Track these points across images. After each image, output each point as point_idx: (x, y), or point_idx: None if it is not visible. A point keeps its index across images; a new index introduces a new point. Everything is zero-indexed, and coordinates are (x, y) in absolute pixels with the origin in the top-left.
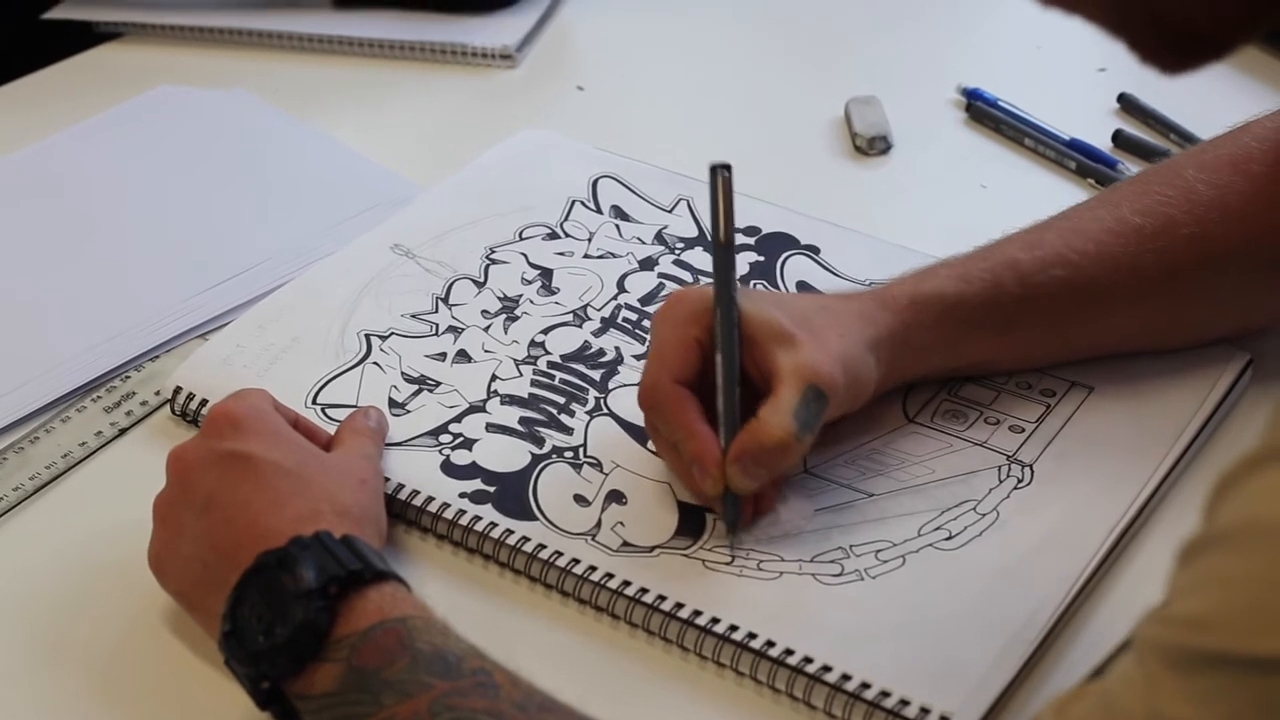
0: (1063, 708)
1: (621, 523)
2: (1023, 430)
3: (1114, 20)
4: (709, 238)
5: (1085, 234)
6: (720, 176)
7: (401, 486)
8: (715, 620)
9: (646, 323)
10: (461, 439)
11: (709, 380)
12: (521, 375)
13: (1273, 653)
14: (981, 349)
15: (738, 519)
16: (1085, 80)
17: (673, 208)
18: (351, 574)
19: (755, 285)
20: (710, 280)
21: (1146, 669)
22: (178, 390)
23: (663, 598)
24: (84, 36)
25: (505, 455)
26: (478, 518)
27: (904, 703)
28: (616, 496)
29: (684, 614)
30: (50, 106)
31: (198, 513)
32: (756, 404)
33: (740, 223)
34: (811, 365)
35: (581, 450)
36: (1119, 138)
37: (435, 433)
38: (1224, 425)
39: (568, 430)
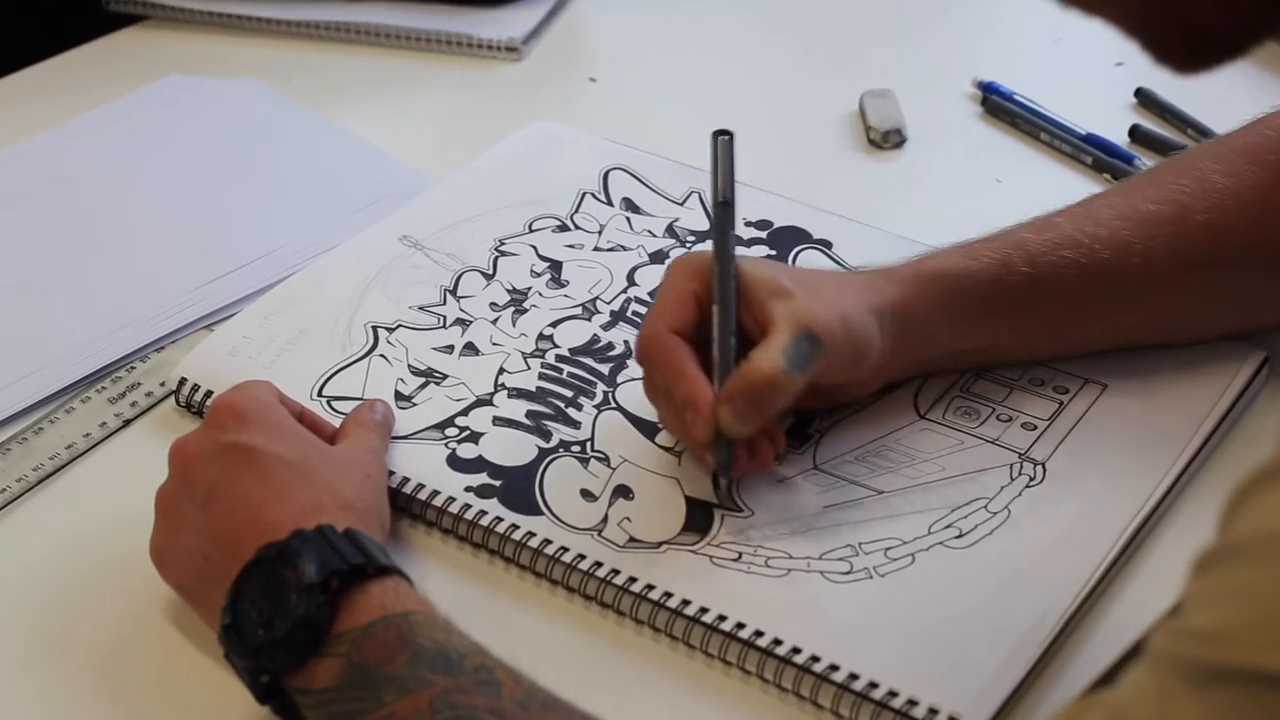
0: (1073, 718)
1: (628, 518)
2: (1035, 428)
3: (1132, 21)
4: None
5: (1097, 219)
6: (719, 140)
7: (407, 480)
8: (722, 617)
9: None
10: (468, 432)
11: (706, 334)
12: (529, 368)
13: None
14: (988, 330)
15: (730, 464)
16: (1102, 74)
17: (684, 200)
18: (353, 568)
19: None
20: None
21: (1160, 681)
22: (183, 381)
23: (669, 594)
24: (97, 22)
25: (512, 449)
26: (483, 512)
27: (912, 703)
28: (624, 491)
29: (690, 610)
30: (62, 94)
31: (199, 505)
32: None
33: (753, 216)
34: (806, 312)
35: (589, 444)
36: (1136, 132)
37: (441, 426)
38: (1239, 424)
39: (575, 424)
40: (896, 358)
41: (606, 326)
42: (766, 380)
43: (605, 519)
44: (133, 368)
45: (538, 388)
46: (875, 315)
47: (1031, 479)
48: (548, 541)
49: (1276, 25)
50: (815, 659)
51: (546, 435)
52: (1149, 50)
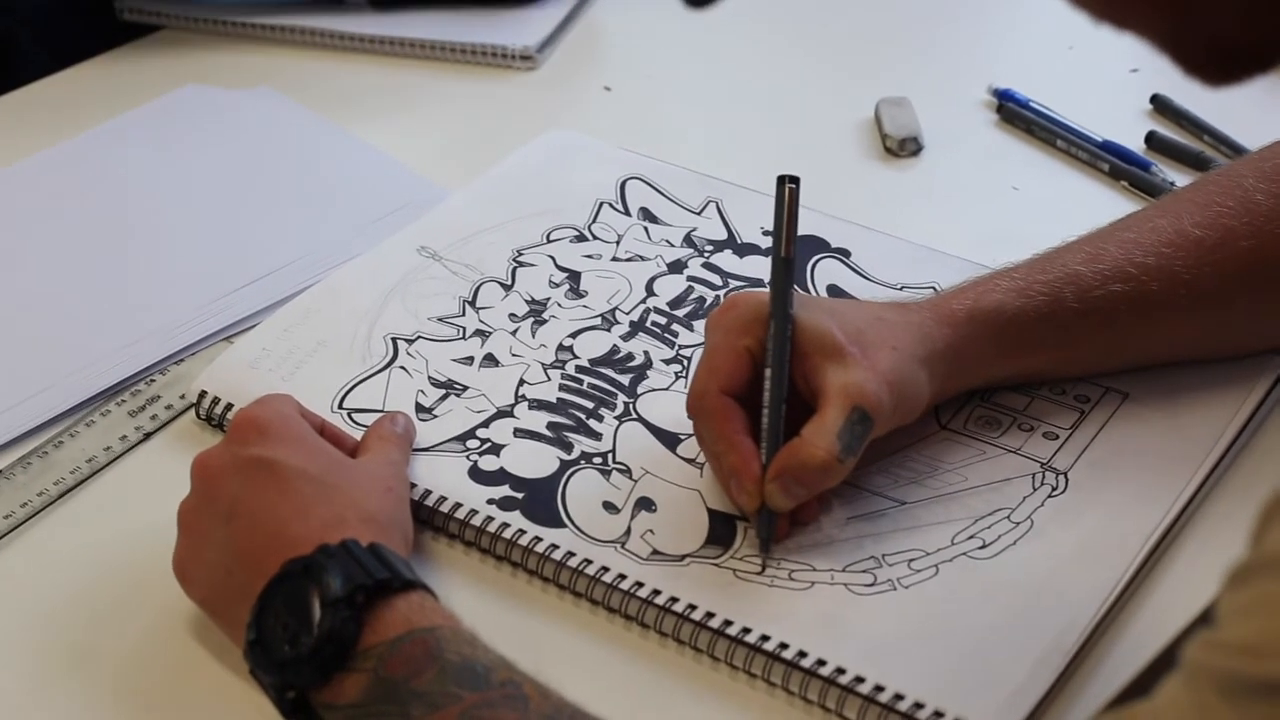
0: None
1: (651, 530)
2: (1057, 437)
3: (1164, 37)
4: (741, 240)
5: (1145, 246)
6: (787, 188)
7: (429, 493)
8: (746, 631)
9: (675, 326)
10: (489, 444)
11: (757, 391)
12: (549, 380)
13: None
14: (1037, 362)
15: (771, 536)
16: (1118, 81)
17: (701, 210)
18: (379, 583)
19: None
20: (765, 285)
21: (1198, 695)
22: (203, 394)
23: (693, 607)
24: (113, 32)
25: (533, 461)
26: (506, 524)
27: (938, 714)
28: (646, 504)
29: (714, 624)
30: (79, 104)
31: (222, 520)
32: (802, 418)
33: (772, 225)
34: (859, 386)
35: (610, 456)
36: (1152, 139)
37: (463, 438)
38: (1261, 432)
39: (596, 436)
40: (944, 393)
41: (626, 337)
42: (821, 466)
43: (628, 531)
44: (152, 380)
45: (558, 399)
46: (926, 366)
47: (1054, 489)
48: (571, 554)
49: None
50: (841, 671)
51: (568, 447)
52: (1179, 64)
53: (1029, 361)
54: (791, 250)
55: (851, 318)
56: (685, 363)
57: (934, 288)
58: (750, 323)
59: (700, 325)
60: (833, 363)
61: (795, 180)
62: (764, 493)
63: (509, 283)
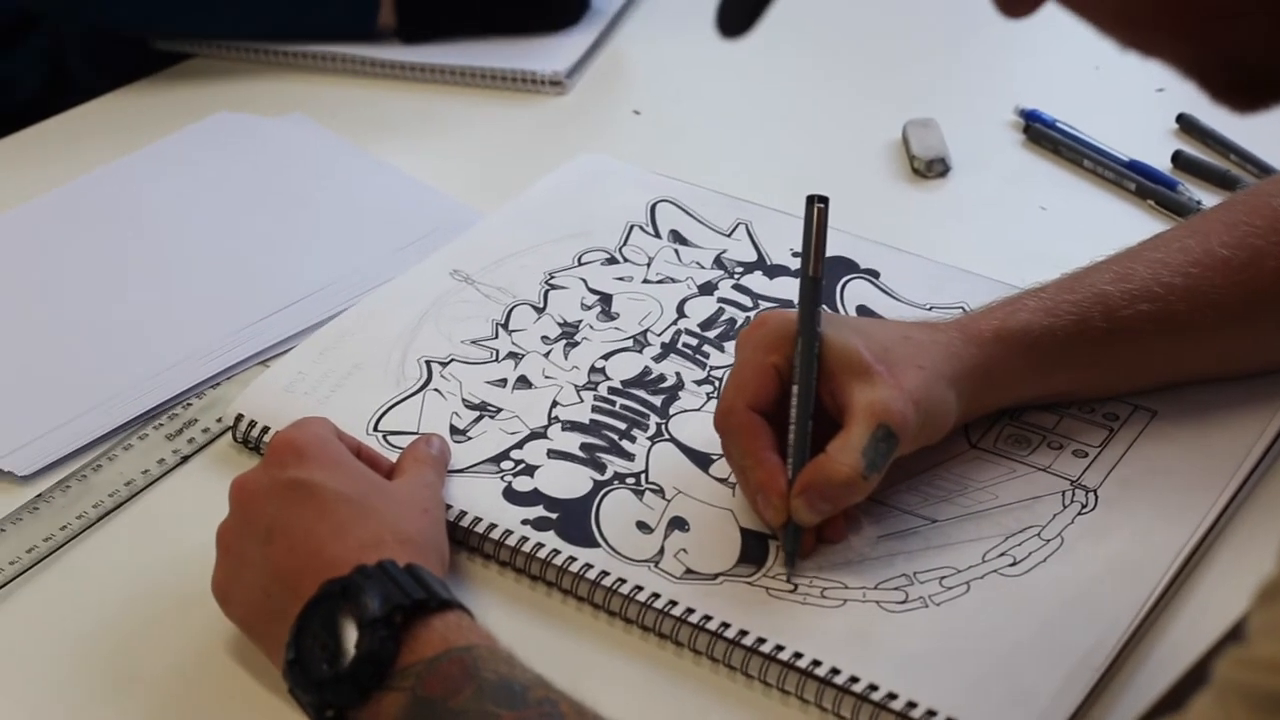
0: None
1: (684, 550)
2: (1086, 455)
3: (1189, 63)
4: (771, 262)
5: (1172, 266)
6: (816, 208)
7: (464, 514)
8: (779, 648)
9: (706, 348)
10: (523, 465)
11: (785, 409)
12: (582, 401)
13: None
14: (1064, 380)
15: (797, 550)
16: (1144, 101)
17: (731, 232)
18: (416, 603)
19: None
20: (794, 306)
21: (1226, 710)
22: (239, 418)
23: (726, 625)
24: (145, 60)
25: (567, 482)
26: (540, 545)
27: None
28: (679, 523)
29: (748, 641)
30: (112, 132)
31: (261, 541)
32: (830, 435)
33: (801, 247)
34: (885, 403)
35: (643, 476)
36: (1179, 158)
37: (497, 459)
38: None
39: (629, 456)
40: (972, 412)
41: (658, 359)
42: (846, 482)
43: (661, 551)
44: (189, 404)
45: (591, 420)
46: (954, 385)
47: (1084, 506)
48: (605, 573)
49: None
50: (873, 688)
51: (601, 467)
52: (1206, 90)
53: (1057, 381)
54: (820, 269)
55: (879, 336)
56: (716, 383)
57: (963, 307)
58: (778, 340)
59: (731, 346)
60: (859, 381)
61: (824, 200)
62: (790, 508)
63: (541, 305)
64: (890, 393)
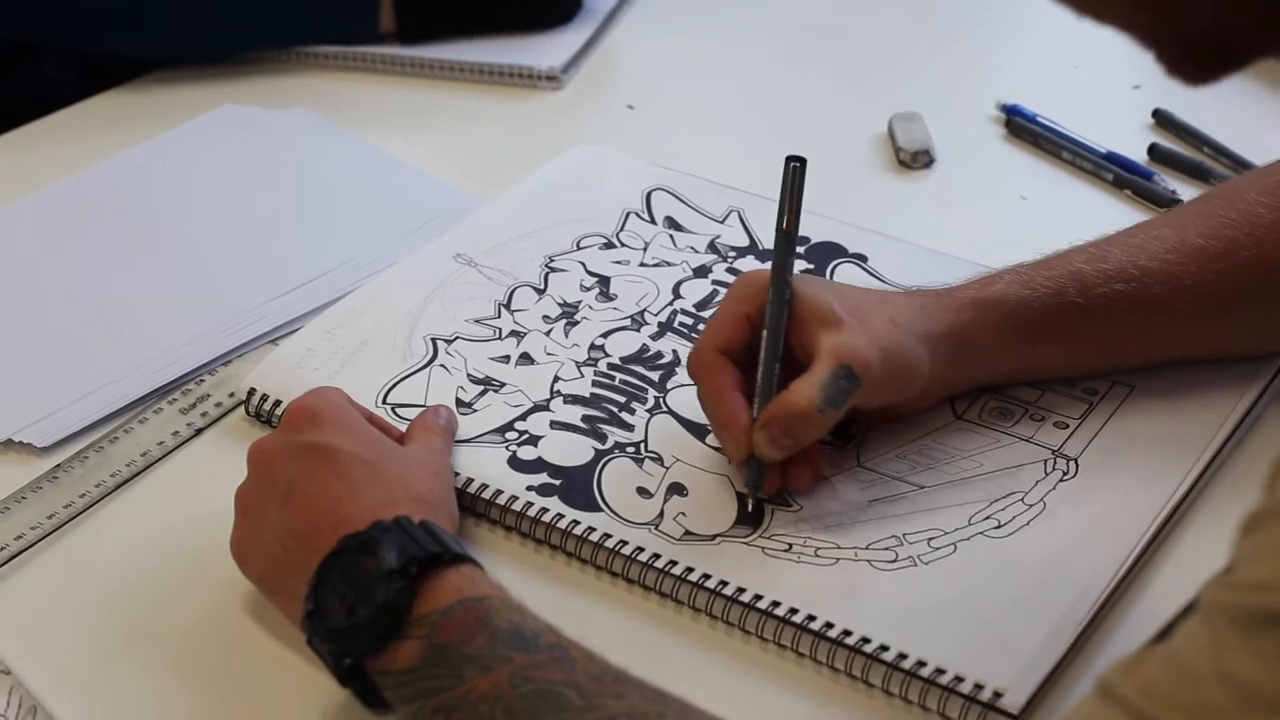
0: (1130, 670)
1: (683, 513)
2: (1067, 426)
3: (1144, 31)
4: (762, 247)
5: (1149, 251)
6: (791, 167)
7: (471, 480)
8: (775, 604)
9: (702, 326)
10: (527, 436)
11: (756, 355)
12: (583, 376)
13: None
14: (1041, 355)
15: (759, 484)
16: (1121, 97)
17: (724, 219)
18: (431, 555)
19: None
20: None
21: (1213, 630)
22: (252, 391)
23: (724, 583)
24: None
25: (570, 450)
26: (545, 509)
27: (958, 679)
28: (678, 489)
29: (745, 598)
30: (122, 125)
31: (280, 501)
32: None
33: None
34: (850, 346)
35: (643, 445)
36: (1154, 150)
37: (502, 430)
38: (1261, 420)
39: (629, 427)
40: (951, 379)
41: (655, 336)
42: (801, 414)
43: (661, 514)
44: (202, 380)
45: (592, 394)
46: (926, 343)
47: (1065, 473)
48: (607, 536)
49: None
50: (865, 640)
51: (602, 438)
52: (1161, 61)
53: (1032, 353)
54: (794, 225)
55: (854, 295)
56: None
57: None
58: (753, 291)
59: None
60: (829, 329)
61: (801, 160)
62: (752, 442)
63: (542, 287)
64: (856, 338)
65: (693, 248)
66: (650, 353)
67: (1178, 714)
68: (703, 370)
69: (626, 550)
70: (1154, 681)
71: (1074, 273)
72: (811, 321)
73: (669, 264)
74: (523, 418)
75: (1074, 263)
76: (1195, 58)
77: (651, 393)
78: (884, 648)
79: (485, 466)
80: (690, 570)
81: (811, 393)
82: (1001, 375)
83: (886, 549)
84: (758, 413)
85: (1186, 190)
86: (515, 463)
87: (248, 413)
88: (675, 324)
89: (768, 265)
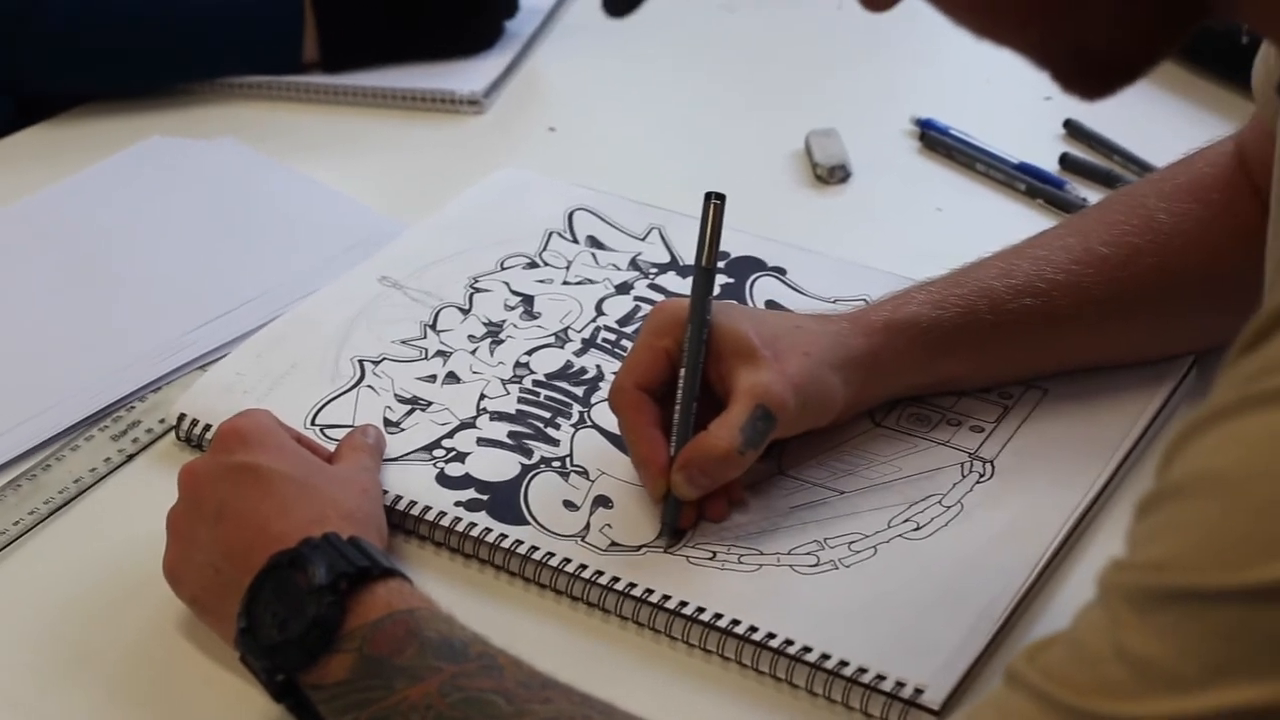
0: (1034, 655)
1: (609, 525)
2: (983, 430)
3: (1036, 50)
4: (683, 263)
5: (1055, 263)
6: (712, 204)
7: (400, 498)
8: (700, 609)
9: (625, 342)
10: (454, 453)
11: (675, 389)
12: (509, 393)
13: (1221, 586)
14: (954, 370)
15: (676, 522)
16: (1033, 108)
17: (645, 236)
18: (360, 570)
19: None
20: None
21: (1111, 611)
22: (182, 417)
23: (650, 591)
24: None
25: (496, 466)
26: (473, 524)
27: (880, 677)
28: (603, 501)
29: (671, 605)
30: (50, 158)
31: (210, 522)
32: (715, 416)
33: None
34: (765, 386)
35: (568, 460)
36: (1066, 160)
37: (429, 448)
38: (1171, 420)
39: (554, 442)
40: (864, 398)
41: (579, 353)
42: (721, 456)
43: (587, 526)
44: (132, 407)
45: (518, 410)
46: (840, 371)
47: (981, 475)
48: (534, 548)
49: (1171, 44)
50: (789, 643)
51: (528, 453)
52: (1056, 79)
53: (944, 368)
54: (713, 261)
55: (770, 324)
56: None
57: (865, 299)
58: (670, 325)
59: None
60: (745, 364)
61: (720, 197)
62: (670, 481)
63: (467, 307)
64: (772, 376)
65: (615, 265)
66: (574, 369)
67: (1080, 694)
68: (622, 407)
69: (554, 562)
70: (1056, 664)
71: (984, 289)
72: (731, 356)
73: (591, 281)
74: (450, 435)
75: (984, 279)
76: (1090, 73)
77: (576, 408)
78: (807, 649)
79: (413, 484)
80: (617, 580)
81: (731, 435)
82: (915, 389)
83: (808, 554)
84: (675, 450)
85: (1097, 198)
86: (443, 479)
87: (178, 438)
88: (598, 340)
89: (688, 286)
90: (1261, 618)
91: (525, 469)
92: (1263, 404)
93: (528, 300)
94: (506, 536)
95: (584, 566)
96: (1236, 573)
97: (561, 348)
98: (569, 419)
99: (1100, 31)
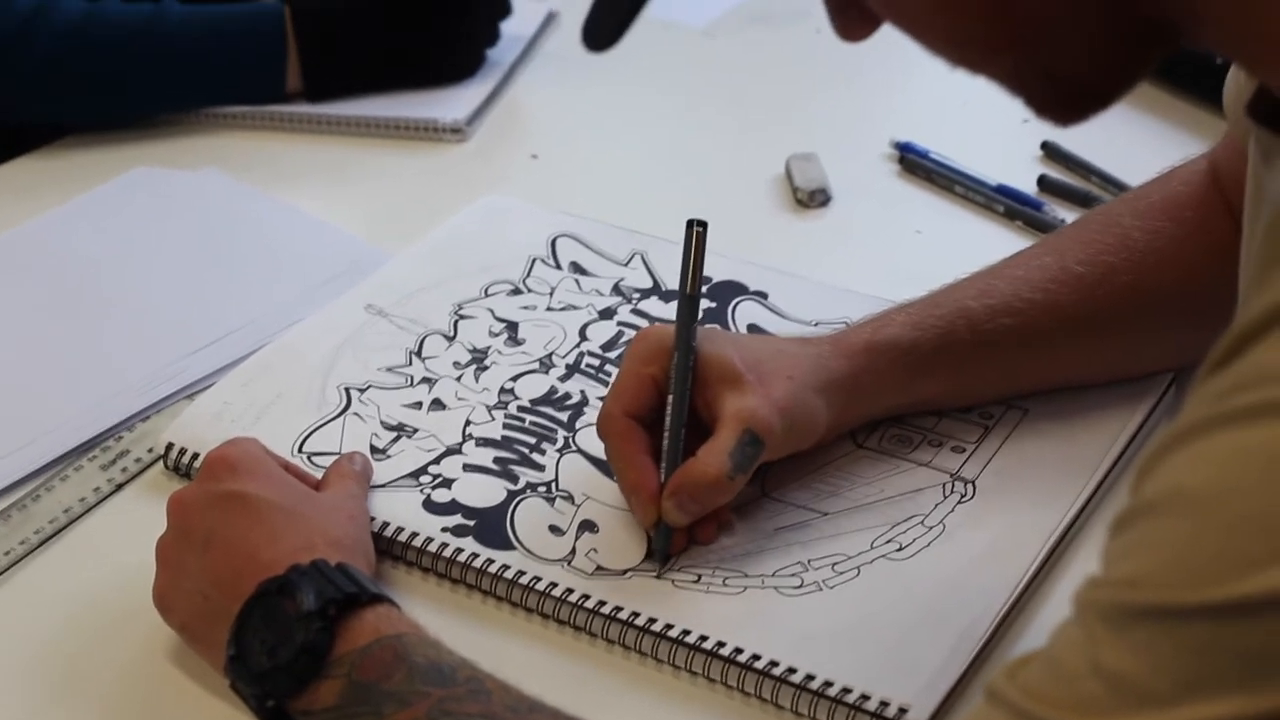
0: (1013, 673)
1: (595, 549)
2: (964, 450)
3: (1010, 78)
4: (665, 288)
5: (1032, 283)
6: (694, 231)
7: (387, 524)
8: (686, 632)
9: (609, 367)
10: (441, 479)
11: (662, 417)
12: (494, 419)
13: (1192, 603)
14: (932, 389)
15: (667, 548)
16: (1010, 131)
17: (628, 261)
18: (348, 596)
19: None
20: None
21: (1087, 628)
22: (170, 446)
23: (636, 614)
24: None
25: (483, 492)
26: (460, 549)
27: (865, 697)
28: (589, 525)
29: (656, 628)
30: (34, 191)
31: (199, 550)
32: (703, 442)
33: None
34: (752, 411)
35: (554, 485)
36: (1043, 182)
37: (415, 474)
38: (1151, 438)
39: (539, 467)
40: (846, 420)
41: (563, 378)
42: (712, 483)
43: (573, 551)
44: (120, 437)
45: (503, 436)
46: (823, 394)
47: (963, 496)
48: (521, 573)
49: (1143, 71)
50: (774, 664)
51: (514, 478)
52: (1030, 105)
53: (924, 389)
54: (697, 289)
55: (754, 349)
56: None
57: (846, 322)
58: (656, 353)
59: None
60: (731, 390)
61: (703, 225)
62: (661, 508)
63: (451, 334)
64: (758, 401)
65: (598, 290)
66: (559, 394)
67: (1057, 711)
68: (611, 435)
69: (540, 586)
70: (1035, 682)
71: (963, 310)
72: (716, 382)
73: (575, 307)
74: (436, 461)
75: (962, 300)
76: (1063, 100)
77: (561, 433)
78: (792, 670)
79: (400, 510)
80: (603, 604)
81: (720, 461)
82: (896, 410)
83: (792, 575)
84: (665, 476)
85: (1074, 219)
86: (430, 505)
87: (166, 467)
88: (582, 365)
89: (671, 311)
90: (1231, 633)
91: (511, 494)
92: (1233, 421)
93: (512, 326)
94: (493, 561)
95: (570, 590)
96: (1207, 589)
97: (546, 373)
98: (554, 444)
99: (1073, 59)
